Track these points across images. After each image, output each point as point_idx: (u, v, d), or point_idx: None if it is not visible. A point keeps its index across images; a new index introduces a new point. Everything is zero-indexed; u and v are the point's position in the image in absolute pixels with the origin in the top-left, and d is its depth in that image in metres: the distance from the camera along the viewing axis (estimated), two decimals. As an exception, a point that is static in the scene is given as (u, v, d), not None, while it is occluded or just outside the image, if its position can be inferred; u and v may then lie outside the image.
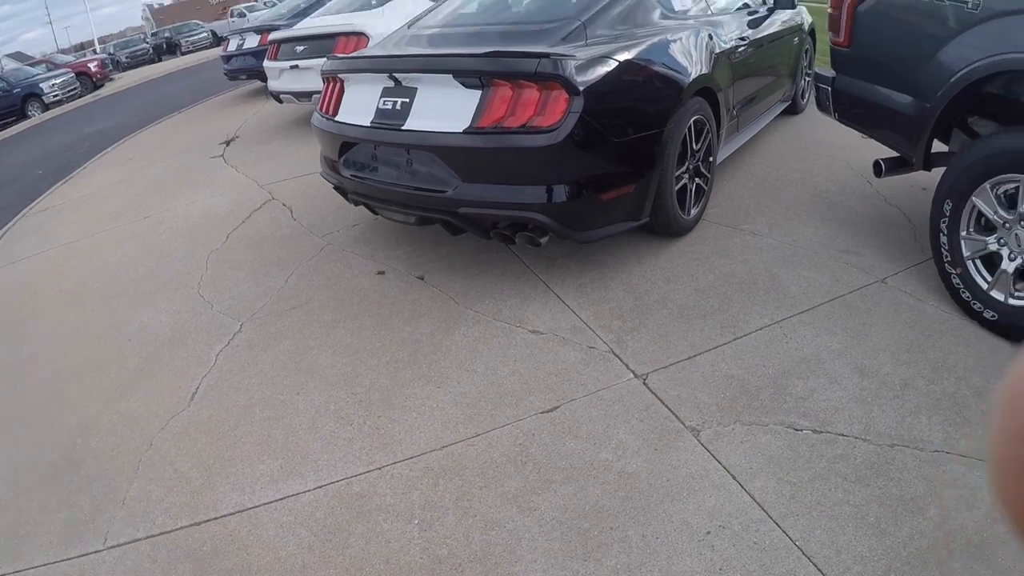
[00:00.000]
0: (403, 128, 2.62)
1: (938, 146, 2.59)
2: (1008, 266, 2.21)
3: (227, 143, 6.48)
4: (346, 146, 2.91)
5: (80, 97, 18.08)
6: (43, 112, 17.02)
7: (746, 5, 3.98)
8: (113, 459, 2.25)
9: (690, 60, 2.86)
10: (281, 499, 1.88)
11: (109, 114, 12.85)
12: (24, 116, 17.09)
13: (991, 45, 2.19)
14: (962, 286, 2.34)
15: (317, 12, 7.02)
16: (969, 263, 2.32)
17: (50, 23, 67.93)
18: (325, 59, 3.25)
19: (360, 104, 2.84)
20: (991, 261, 2.29)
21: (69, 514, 2.05)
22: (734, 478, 1.69)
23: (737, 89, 3.43)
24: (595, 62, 2.46)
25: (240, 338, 2.82)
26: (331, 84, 3.05)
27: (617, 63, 2.53)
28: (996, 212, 2.21)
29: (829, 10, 2.82)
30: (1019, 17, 2.13)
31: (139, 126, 9.51)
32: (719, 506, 1.62)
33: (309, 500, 1.85)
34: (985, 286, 2.27)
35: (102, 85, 20.08)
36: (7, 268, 4.71)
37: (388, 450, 1.97)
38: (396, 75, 2.70)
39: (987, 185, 2.22)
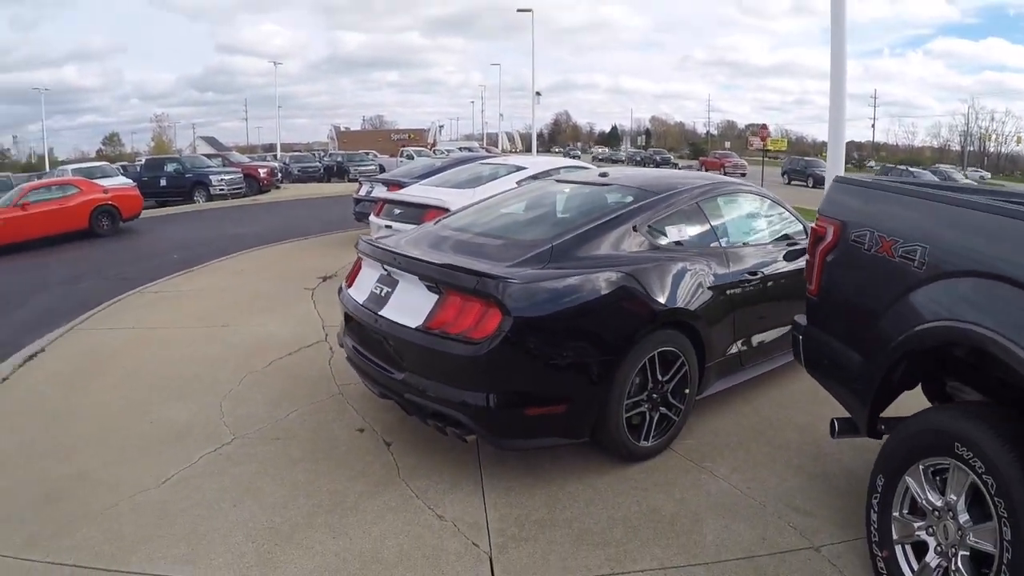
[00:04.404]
0: (379, 314, 3.54)
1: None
2: (932, 560, 2.30)
3: (324, 279, 7.97)
4: (348, 317, 3.91)
5: (243, 196, 21.75)
6: (206, 200, 20.56)
7: (785, 236, 4.57)
8: (86, 504, 3.23)
9: (658, 293, 3.45)
10: (169, 577, 2.67)
11: (254, 220, 15.59)
12: (190, 199, 20.66)
13: (933, 310, 2.36)
14: (885, 571, 2.46)
15: (428, 180, 8.74)
16: (898, 548, 2.43)
17: (246, 120, 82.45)
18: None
19: (364, 283, 3.89)
20: (924, 549, 2.36)
21: (34, 530, 3.01)
22: None
23: (742, 324, 3.96)
24: (537, 287, 3.14)
25: (224, 449, 3.75)
26: (357, 260, 4.15)
27: (562, 290, 3.19)
28: (925, 497, 2.34)
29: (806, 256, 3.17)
30: (966, 280, 2.28)
31: (269, 241, 11.68)
32: None
33: (187, 586, 2.62)
34: None
35: (267, 190, 23.98)
36: (103, 333, 6.22)
37: (261, 571, 2.74)
38: (387, 267, 3.63)
39: (920, 465, 2.35)
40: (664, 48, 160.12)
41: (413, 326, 3.29)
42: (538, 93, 41.79)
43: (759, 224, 4.60)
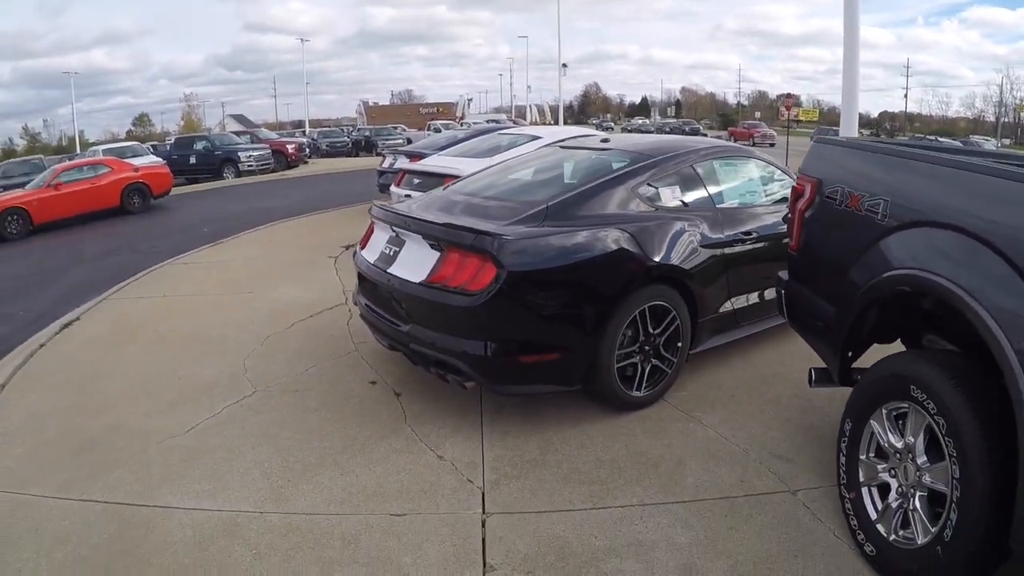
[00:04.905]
0: (387, 271, 3.78)
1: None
2: (893, 500, 2.45)
3: (347, 247, 8.23)
4: (361, 277, 4.16)
5: (272, 172, 22.21)
6: (236, 176, 21.08)
7: (784, 199, 4.57)
8: (119, 450, 3.55)
9: (647, 250, 3.61)
10: (191, 509, 2.99)
11: (282, 195, 16.01)
12: (219, 176, 21.18)
13: (893, 259, 2.51)
14: (852, 512, 2.61)
15: (448, 151, 8.99)
16: (864, 489, 2.58)
17: (274, 97, 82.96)
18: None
19: (375, 245, 4.13)
20: (887, 490, 2.50)
21: (70, 475, 3.32)
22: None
23: (737, 283, 4.10)
24: (530, 243, 3.36)
25: (246, 401, 4.04)
26: (370, 224, 4.39)
27: (553, 246, 3.41)
28: (887, 440, 2.49)
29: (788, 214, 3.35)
30: (923, 230, 2.41)
31: (295, 214, 12.07)
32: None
33: (207, 516, 2.93)
34: (874, 516, 2.51)
35: (295, 165, 24.43)
36: (135, 301, 6.57)
37: (274, 504, 3.01)
38: (396, 228, 3.90)
39: (883, 409, 2.51)
40: (696, 18, 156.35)
41: (417, 281, 3.52)
42: (564, 65, 41.62)
43: (755, 187, 4.70)
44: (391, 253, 3.88)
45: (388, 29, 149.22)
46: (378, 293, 3.95)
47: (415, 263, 3.61)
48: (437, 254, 3.52)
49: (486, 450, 3.40)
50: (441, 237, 3.53)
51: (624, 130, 55.69)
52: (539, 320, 3.41)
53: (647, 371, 3.72)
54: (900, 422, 2.47)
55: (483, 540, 2.73)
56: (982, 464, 2.06)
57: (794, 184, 3.30)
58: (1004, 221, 2.13)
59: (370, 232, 4.38)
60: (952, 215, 2.31)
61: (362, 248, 4.35)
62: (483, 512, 2.91)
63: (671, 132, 48.69)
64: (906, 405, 2.40)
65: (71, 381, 4.55)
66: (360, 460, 3.32)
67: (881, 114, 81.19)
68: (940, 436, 2.22)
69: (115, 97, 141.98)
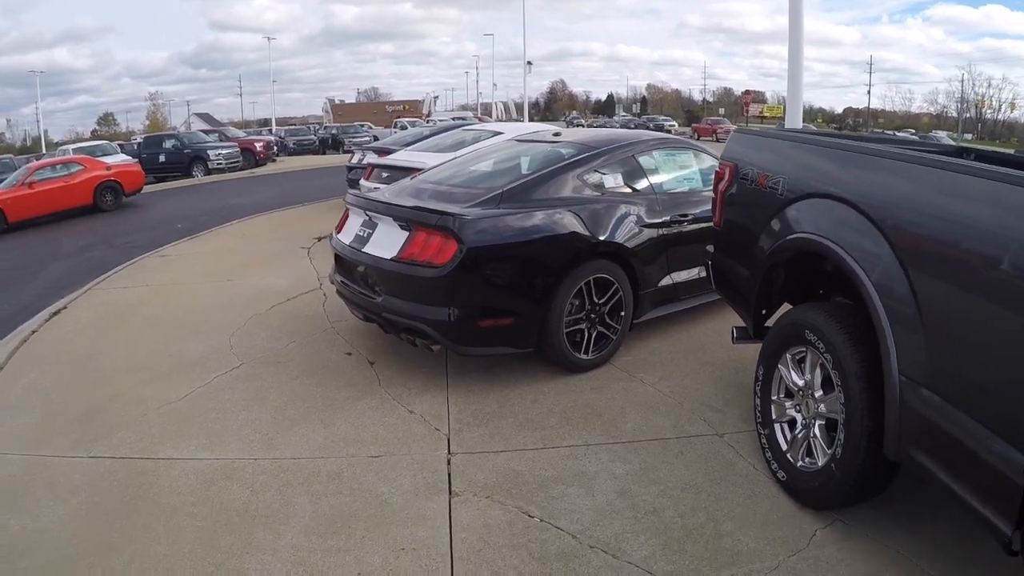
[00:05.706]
0: (361, 251, 4.20)
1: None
2: (799, 432, 2.86)
3: (319, 239, 8.58)
4: (337, 257, 4.53)
5: (241, 170, 22.38)
6: (205, 174, 21.13)
7: None
8: (120, 416, 3.90)
9: (589, 229, 4.06)
10: (191, 459, 3.37)
11: (254, 191, 16.22)
12: (188, 175, 21.24)
13: (788, 227, 2.95)
14: (767, 446, 3.01)
15: (415, 146, 9.37)
16: (776, 425, 2.98)
17: (240, 95, 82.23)
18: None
19: (350, 229, 4.55)
20: (794, 424, 2.90)
21: (78, 437, 3.68)
22: (449, 526, 2.77)
23: (675, 260, 4.57)
24: (486, 222, 3.83)
25: (234, 371, 4.40)
26: (345, 211, 4.80)
27: (506, 225, 3.88)
28: (792, 380, 2.90)
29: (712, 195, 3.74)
30: (811, 201, 2.84)
31: (269, 208, 12.33)
32: (423, 537, 2.71)
33: (206, 464, 3.32)
34: (785, 448, 2.91)
35: (264, 163, 24.51)
36: (119, 290, 6.85)
37: (265, 451, 3.41)
38: (368, 212, 4.33)
39: (787, 354, 2.92)
40: (660, 15, 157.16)
41: (388, 257, 3.96)
42: (529, 63, 42.01)
43: (694, 174, 5.17)
44: (365, 235, 4.29)
45: (353, 27, 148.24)
46: (353, 271, 4.36)
47: (387, 242, 4.04)
48: (406, 233, 3.95)
49: (451, 405, 3.84)
50: (409, 218, 3.96)
51: (591, 126, 56.37)
52: (495, 289, 3.84)
53: (594, 337, 4.19)
54: (801, 364, 2.90)
55: (449, 474, 3.16)
56: (860, 390, 2.48)
57: (716, 169, 3.77)
58: (866, 185, 2.62)
59: (345, 218, 4.77)
60: (828, 187, 2.80)
61: (338, 232, 4.74)
62: (448, 452, 3.35)
63: (636, 128, 49.50)
64: (803, 348, 2.83)
65: (67, 360, 4.86)
66: (340, 416, 3.73)
67: (845, 110, 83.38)
68: (829, 370, 2.64)
69: (77, 96, 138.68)
